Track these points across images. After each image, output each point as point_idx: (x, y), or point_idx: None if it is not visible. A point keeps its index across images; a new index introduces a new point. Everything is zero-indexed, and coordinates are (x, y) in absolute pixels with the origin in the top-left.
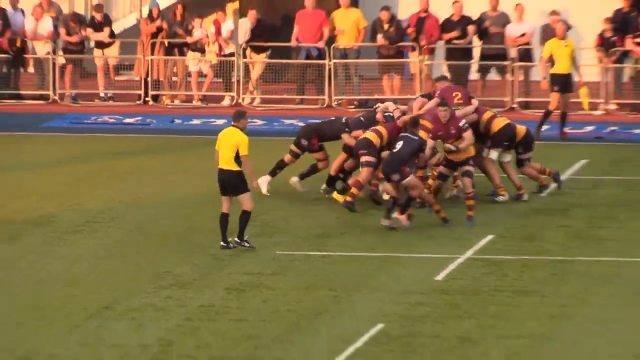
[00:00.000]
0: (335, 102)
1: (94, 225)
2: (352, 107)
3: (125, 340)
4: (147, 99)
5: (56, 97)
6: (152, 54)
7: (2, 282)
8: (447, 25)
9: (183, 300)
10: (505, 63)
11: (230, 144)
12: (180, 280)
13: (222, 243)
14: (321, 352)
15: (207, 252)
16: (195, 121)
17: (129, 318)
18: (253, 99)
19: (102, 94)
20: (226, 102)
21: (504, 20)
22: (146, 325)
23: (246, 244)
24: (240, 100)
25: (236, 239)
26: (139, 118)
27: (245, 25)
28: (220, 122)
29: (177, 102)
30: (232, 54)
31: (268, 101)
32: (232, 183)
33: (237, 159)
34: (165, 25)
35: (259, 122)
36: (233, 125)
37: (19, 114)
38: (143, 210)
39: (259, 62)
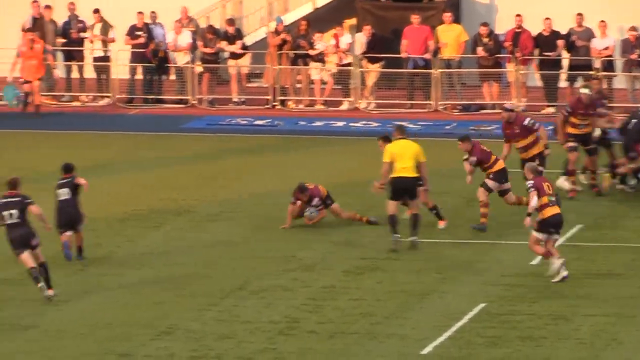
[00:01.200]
0: (441, 107)
1: (228, 214)
2: (456, 111)
3: (256, 317)
4: (274, 103)
5: (195, 102)
6: (279, 64)
7: (148, 264)
8: (540, 39)
9: (307, 281)
10: (591, 73)
11: (411, 153)
12: (304, 264)
13: (396, 235)
14: (430, 328)
15: (329, 239)
16: (318, 123)
17: (259, 297)
18: (369, 104)
19: (235, 99)
20: (344, 106)
21: (589, 34)
22: (275, 304)
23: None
24: (357, 105)
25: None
26: (268, 120)
27: (361, 38)
28: (339, 123)
29: (301, 106)
30: (349, 64)
31: (382, 106)
32: (413, 188)
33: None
34: (289, 38)
35: (374, 124)
36: (401, 138)
37: (161, 116)
38: (271, 201)
39: (373, 71)
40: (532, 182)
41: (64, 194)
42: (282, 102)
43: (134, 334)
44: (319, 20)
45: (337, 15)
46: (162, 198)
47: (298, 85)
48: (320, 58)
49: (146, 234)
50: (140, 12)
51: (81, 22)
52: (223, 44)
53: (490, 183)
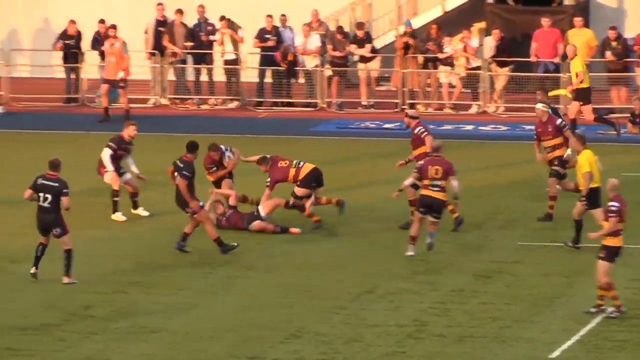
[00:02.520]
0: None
1: (359, 217)
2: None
3: (384, 321)
4: (403, 107)
5: (324, 105)
6: (406, 67)
7: (276, 267)
8: None
9: (436, 284)
10: None
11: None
12: (433, 267)
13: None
14: (558, 332)
15: (456, 241)
16: (447, 126)
17: (387, 301)
18: (497, 108)
19: (364, 102)
20: (473, 109)
21: None
22: (403, 307)
23: None
24: (486, 109)
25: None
26: (397, 124)
27: (490, 42)
28: (468, 127)
29: (430, 109)
30: (478, 68)
31: (510, 109)
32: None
33: None
34: (411, 42)
35: (503, 127)
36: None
37: (290, 119)
38: (402, 204)
39: (502, 74)
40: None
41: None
42: (411, 106)
43: (263, 337)
44: (448, 24)
45: (466, 18)
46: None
47: (427, 89)
48: (449, 62)
49: (276, 237)
50: (269, 16)
51: (210, 25)
52: (352, 47)
53: None
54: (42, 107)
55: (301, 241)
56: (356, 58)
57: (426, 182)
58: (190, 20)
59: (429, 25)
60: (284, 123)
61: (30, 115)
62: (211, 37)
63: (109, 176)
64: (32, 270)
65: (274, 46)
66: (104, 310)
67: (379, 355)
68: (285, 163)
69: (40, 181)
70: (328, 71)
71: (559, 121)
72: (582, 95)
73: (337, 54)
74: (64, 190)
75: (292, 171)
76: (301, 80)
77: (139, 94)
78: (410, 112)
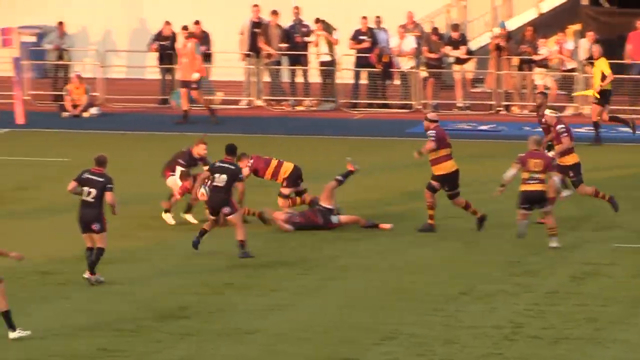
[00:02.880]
0: None
1: (455, 220)
2: None
3: (480, 322)
4: (499, 108)
5: (419, 106)
6: (500, 69)
7: (370, 268)
8: None
9: (531, 286)
10: None
11: None
12: (529, 269)
13: None
14: None
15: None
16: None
17: (483, 302)
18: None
19: (459, 104)
20: (569, 112)
21: None
22: (498, 309)
23: None
24: (581, 110)
25: None
26: (492, 125)
27: (585, 44)
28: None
29: (525, 111)
30: (573, 70)
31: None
32: None
33: None
34: (502, 43)
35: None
36: None
37: (385, 121)
38: (495, 207)
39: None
40: None
41: (221, 180)
42: (507, 107)
43: (357, 339)
44: (543, 26)
45: (561, 21)
46: (387, 202)
47: (523, 91)
48: (544, 63)
49: (369, 238)
50: (364, 17)
51: (305, 26)
52: (447, 49)
53: None
54: (137, 108)
55: (396, 242)
56: (451, 60)
57: (525, 175)
58: (286, 21)
59: (524, 27)
60: (379, 125)
61: (125, 116)
62: (306, 39)
63: (171, 180)
64: (86, 275)
65: (369, 48)
66: (200, 311)
67: (475, 357)
68: (268, 157)
69: (85, 175)
70: (423, 73)
71: (558, 127)
72: (602, 97)
73: (432, 55)
74: (109, 186)
75: (274, 162)
76: (396, 81)
77: (232, 95)
78: (430, 115)
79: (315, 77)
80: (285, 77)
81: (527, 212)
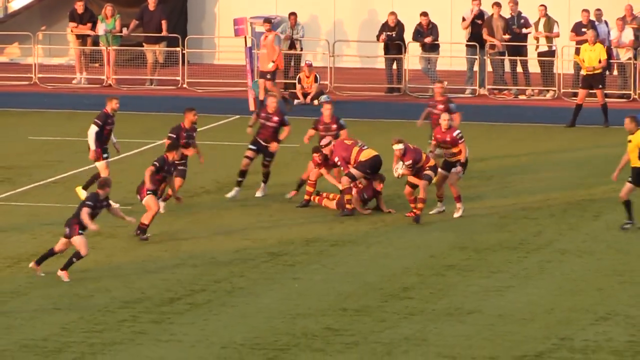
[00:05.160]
0: None
1: None
2: None
3: None
4: None
5: (636, 96)
6: None
7: (588, 251)
8: None
9: None
10: None
11: None
12: None
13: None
14: None
15: None
16: None
17: None
18: None
19: None
20: None
21: None
22: None
23: None
24: None
25: None
26: None
27: None
28: None
29: None
30: None
31: None
32: None
33: None
34: None
35: None
36: None
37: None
38: None
39: None
40: None
41: None
42: None
43: (573, 319)
44: None
45: None
46: (599, 189)
47: None
48: None
49: (587, 223)
50: (585, 10)
51: (523, 18)
52: None
53: None
54: (365, 97)
55: (612, 228)
56: None
57: None
58: (506, 13)
59: None
60: (596, 113)
61: (354, 104)
62: (524, 30)
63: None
64: None
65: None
66: (422, 292)
67: None
68: (350, 142)
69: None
70: None
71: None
72: (595, 80)
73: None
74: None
75: (356, 150)
76: (615, 72)
77: (457, 84)
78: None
79: (535, 67)
80: (506, 67)
81: None
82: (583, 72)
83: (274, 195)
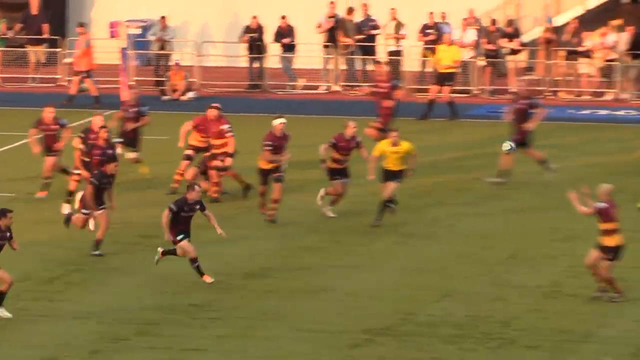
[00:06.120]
0: None
1: (505, 192)
2: None
3: (525, 282)
4: (547, 94)
5: (477, 92)
6: (549, 59)
7: (432, 236)
8: None
9: (569, 251)
10: None
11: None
12: (568, 235)
13: None
14: None
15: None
16: (585, 111)
17: (528, 265)
18: (631, 95)
19: (512, 90)
20: (609, 97)
21: None
22: (541, 270)
23: None
24: (620, 96)
25: None
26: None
27: (625, 37)
28: (604, 112)
29: (571, 96)
30: (614, 60)
31: None
32: None
33: None
34: (552, 36)
35: (634, 112)
36: None
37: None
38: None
39: (635, 66)
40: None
41: None
42: (554, 93)
43: (419, 297)
44: (588, 21)
45: (604, 16)
46: (443, 178)
47: (568, 78)
48: (588, 54)
49: (430, 209)
50: (431, 12)
51: (373, 20)
52: (503, 41)
53: None
54: (229, 93)
55: (454, 213)
56: (506, 51)
57: None
58: (359, 16)
59: (571, 22)
60: (441, 107)
61: (218, 99)
62: (373, 32)
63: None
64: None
65: (434, 40)
66: (280, 271)
67: (519, 312)
68: None
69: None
70: (481, 62)
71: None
72: (447, 78)
73: (490, 47)
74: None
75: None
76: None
77: (313, 81)
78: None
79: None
80: (358, 66)
81: None
82: (438, 70)
83: (147, 181)
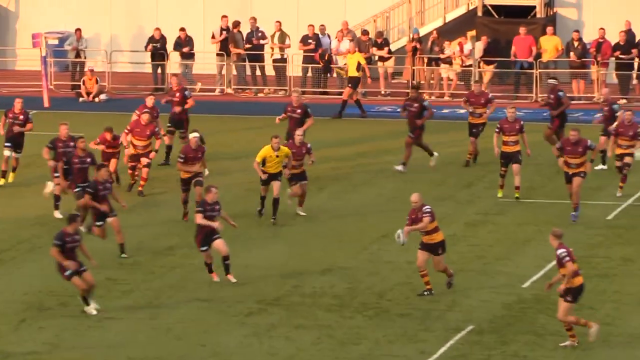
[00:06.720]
0: (540, 99)
1: (376, 181)
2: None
3: (396, 259)
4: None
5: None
6: (416, 65)
7: (313, 219)
8: (617, 47)
9: None
10: None
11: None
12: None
13: None
14: (530, 267)
15: (454, 198)
16: (445, 110)
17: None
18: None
19: (382, 92)
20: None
21: None
22: (411, 249)
23: None
24: None
25: None
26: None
27: (480, 46)
28: (462, 111)
29: (433, 97)
30: (470, 66)
31: (495, 98)
32: None
33: None
34: (419, 45)
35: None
36: None
37: (327, 105)
38: (410, 168)
39: (489, 71)
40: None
41: None
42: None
43: (304, 271)
44: (448, 32)
45: (462, 28)
46: (323, 167)
47: (431, 82)
48: (448, 61)
49: (313, 195)
50: (311, 25)
51: (261, 32)
52: (374, 50)
53: None
54: (136, 95)
55: (333, 199)
56: (376, 58)
57: None
58: (246, 29)
59: (433, 32)
60: (322, 108)
61: (126, 101)
62: (262, 42)
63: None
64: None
65: (313, 49)
66: (182, 250)
67: (392, 284)
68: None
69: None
70: None
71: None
72: (354, 82)
73: (362, 54)
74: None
75: None
76: (334, 75)
77: (209, 85)
78: None
79: (271, 71)
80: (248, 71)
81: None
82: (345, 75)
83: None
